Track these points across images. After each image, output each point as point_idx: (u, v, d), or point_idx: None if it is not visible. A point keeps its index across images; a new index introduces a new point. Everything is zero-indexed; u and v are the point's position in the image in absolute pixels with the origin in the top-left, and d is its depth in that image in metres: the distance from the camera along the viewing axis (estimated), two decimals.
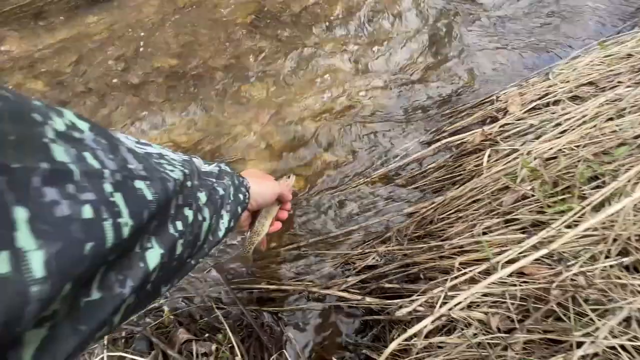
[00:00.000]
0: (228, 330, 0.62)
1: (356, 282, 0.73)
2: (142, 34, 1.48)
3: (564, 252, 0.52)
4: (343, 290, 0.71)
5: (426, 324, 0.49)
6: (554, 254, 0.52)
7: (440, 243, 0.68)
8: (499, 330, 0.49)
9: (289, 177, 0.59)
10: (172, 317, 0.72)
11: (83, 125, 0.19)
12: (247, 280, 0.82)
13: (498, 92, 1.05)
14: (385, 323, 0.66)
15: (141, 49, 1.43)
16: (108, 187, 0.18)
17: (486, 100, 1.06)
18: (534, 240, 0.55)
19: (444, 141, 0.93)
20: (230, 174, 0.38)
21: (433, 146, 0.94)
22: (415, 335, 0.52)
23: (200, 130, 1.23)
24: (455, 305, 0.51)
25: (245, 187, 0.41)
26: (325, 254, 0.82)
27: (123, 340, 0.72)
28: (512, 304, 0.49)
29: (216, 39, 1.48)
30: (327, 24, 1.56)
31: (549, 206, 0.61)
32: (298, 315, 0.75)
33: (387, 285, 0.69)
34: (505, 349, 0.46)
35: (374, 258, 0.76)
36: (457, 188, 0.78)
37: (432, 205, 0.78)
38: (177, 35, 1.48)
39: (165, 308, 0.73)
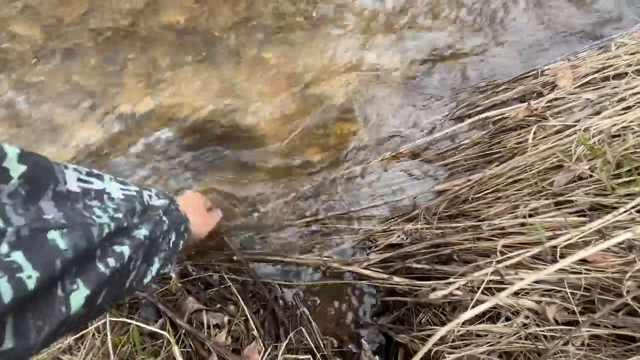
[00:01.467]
0: (241, 301, 0.57)
1: (379, 261, 0.68)
2: None
3: (635, 240, 0.45)
4: (365, 268, 0.65)
5: (483, 309, 0.44)
6: (623, 242, 0.45)
7: (477, 223, 0.61)
8: (556, 322, 0.43)
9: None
10: (179, 284, 0.67)
11: (15, 171, 0.20)
12: (260, 252, 0.77)
13: (542, 67, 0.95)
14: (411, 305, 0.61)
15: (151, 2, 1.32)
16: (4, 248, 0.19)
17: (528, 74, 0.96)
18: (597, 224, 0.48)
19: (480, 116, 0.84)
20: (178, 217, 0.37)
21: (467, 121, 0.85)
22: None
23: (211, 95, 1.15)
24: (510, 292, 0.45)
25: (187, 231, 0.40)
26: (345, 230, 0.76)
27: (127, 306, 0.68)
28: (573, 294, 0.43)
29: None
30: None
31: (613, 188, 0.53)
32: (314, 291, 0.71)
33: (414, 265, 0.63)
34: (566, 343, 0.40)
35: (398, 236, 0.70)
36: (497, 166, 0.70)
37: (468, 184, 0.71)
38: None
39: (173, 275, 0.69)
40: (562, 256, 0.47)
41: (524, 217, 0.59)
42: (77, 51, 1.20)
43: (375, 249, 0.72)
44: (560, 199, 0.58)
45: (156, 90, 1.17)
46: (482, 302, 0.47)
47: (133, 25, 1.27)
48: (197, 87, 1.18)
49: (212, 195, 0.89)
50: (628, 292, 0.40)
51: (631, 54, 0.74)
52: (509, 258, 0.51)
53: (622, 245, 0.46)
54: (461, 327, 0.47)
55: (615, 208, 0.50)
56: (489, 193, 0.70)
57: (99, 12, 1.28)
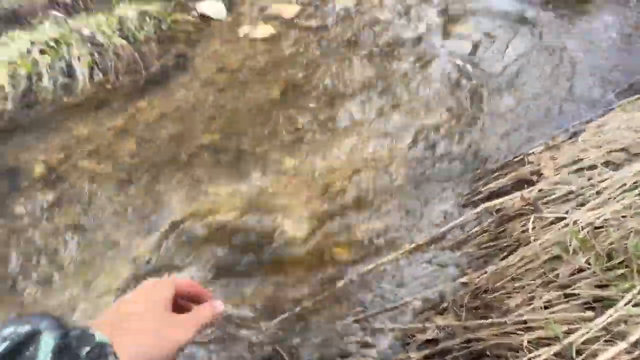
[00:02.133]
0: None
1: (420, 358, 0.74)
2: (187, 114, 1.67)
3: None
4: None
5: None
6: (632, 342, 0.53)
7: (502, 320, 0.69)
8: None
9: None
10: None
11: None
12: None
13: (527, 151, 1.11)
14: None
15: (187, 128, 1.61)
16: None
17: (515, 159, 1.12)
18: (602, 320, 0.56)
19: (483, 206, 0.97)
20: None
21: (473, 211, 0.98)
22: None
23: (243, 203, 1.32)
24: None
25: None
26: (381, 327, 0.84)
27: None
28: None
29: (253, 114, 1.64)
30: (351, 91, 1.72)
31: (608, 281, 0.63)
32: None
33: None
34: None
35: (433, 331, 0.78)
36: (507, 257, 0.81)
37: (485, 275, 0.81)
38: (218, 113, 1.66)
39: None
40: (579, 352, 0.55)
41: (540, 309, 0.68)
42: (131, 178, 1.43)
43: (414, 346, 0.79)
44: (568, 291, 0.67)
45: (196, 203, 1.36)
46: None
47: (176, 149, 1.52)
48: (229, 197, 1.37)
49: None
50: None
51: (597, 146, 0.90)
52: (536, 357, 0.59)
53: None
54: None
55: (616, 300, 0.60)
56: (507, 282, 0.79)
57: (147, 143, 1.55)
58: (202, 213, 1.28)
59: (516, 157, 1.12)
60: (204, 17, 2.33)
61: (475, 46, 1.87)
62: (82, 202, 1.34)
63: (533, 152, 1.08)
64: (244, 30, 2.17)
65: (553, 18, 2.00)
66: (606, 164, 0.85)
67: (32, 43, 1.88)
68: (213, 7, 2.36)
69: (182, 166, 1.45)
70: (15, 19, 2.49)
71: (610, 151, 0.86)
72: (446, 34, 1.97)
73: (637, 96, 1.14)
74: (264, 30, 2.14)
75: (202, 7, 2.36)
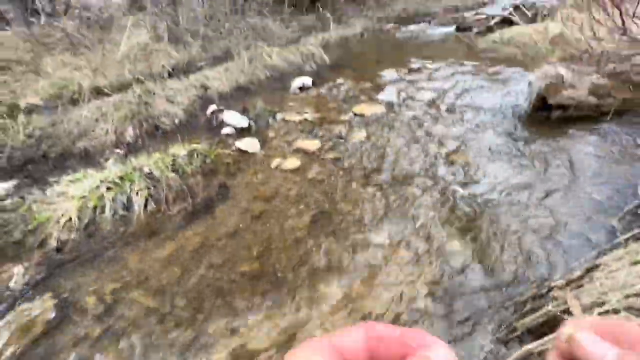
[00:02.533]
0: None
1: None
2: (229, 241, 1.86)
3: None
4: None
5: None
6: None
7: None
8: None
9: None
10: None
11: None
12: None
13: (549, 286, 1.20)
14: None
15: (228, 256, 1.76)
16: None
17: (539, 293, 1.20)
18: None
19: (525, 348, 1.01)
20: None
21: (515, 355, 1.01)
22: None
23: (280, 338, 1.36)
24: None
25: None
26: None
27: None
28: None
29: (287, 241, 1.82)
30: (371, 218, 1.93)
31: None
32: None
33: None
34: None
35: None
36: None
37: None
38: (256, 241, 1.84)
39: None
40: None
41: None
42: (174, 310, 1.51)
43: None
44: None
45: (237, 337, 1.39)
46: None
47: (218, 277, 1.64)
48: (268, 331, 1.40)
49: None
50: None
51: (615, 289, 1.00)
52: None
53: None
54: None
55: None
56: None
57: (191, 272, 1.68)
58: (242, 353, 1.30)
59: (540, 291, 1.20)
60: (241, 152, 2.80)
61: (475, 175, 2.16)
62: (127, 335, 1.39)
63: (556, 286, 1.16)
64: (275, 162, 2.57)
65: (540, 148, 2.36)
66: (627, 308, 0.92)
67: (102, 181, 2.26)
68: (249, 143, 2.86)
69: (223, 294, 1.55)
70: (87, 157, 3.02)
71: (628, 296, 0.95)
72: (448, 163, 2.31)
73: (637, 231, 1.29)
74: (292, 162, 2.53)
75: (240, 144, 2.86)
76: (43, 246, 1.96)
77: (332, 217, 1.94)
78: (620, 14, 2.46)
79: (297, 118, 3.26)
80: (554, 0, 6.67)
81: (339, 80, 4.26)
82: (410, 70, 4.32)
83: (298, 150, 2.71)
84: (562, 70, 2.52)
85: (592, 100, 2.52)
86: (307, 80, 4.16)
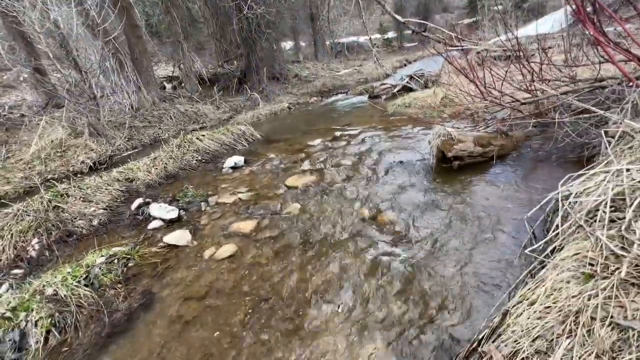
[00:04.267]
0: None
1: None
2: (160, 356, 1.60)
3: None
4: None
5: None
6: None
7: None
8: None
9: None
10: None
11: None
12: None
13: (477, 339, 1.26)
14: None
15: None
16: None
17: (472, 349, 1.24)
18: None
19: None
20: None
21: None
22: None
23: None
24: None
25: None
26: None
27: None
28: None
29: (223, 343, 1.63)
30: (310, 296, 1.88)
31: None
32: None
33: None
34: None
35: None
36: None
37: None
38: (187, 353, 1.62)
39: None
40: None
41: None
42: None
43: None
44: None
45: None
46: None
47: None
48: None
49: None
50: None
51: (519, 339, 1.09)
52: None
53: None
54: None
55: None
56: None
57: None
58: None
59: (471, 346, 1.24)
60: (170, 246, 2.60)
61: (402, 234, 2.32)
62: None
63: (483, 338, 1.22)
64: (209, 252, 2.44)
65: (450, 196, 2.67)
66: (536, 353, 1.01)
67: None
68: (179, 236, 2.69)
69: None
70: None
71: (534, 339, 1.04)
72: (376, 225, 2.45)
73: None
74: (227, 249, 2.43)
75: (169, 238, 2.67)
76: None
77: (271, 304, 1.84)
78: (477, 85, 3.16)
79: (231, 199, 3.24)
80: (437, 69, 8.30)
81: (271, 155, 4.46)
82: (335, 138, 4.76)
83: (233, 234, 2.63)
84: (450, 129, 3.04)
85: (479, 149, 3.04)
86: (239, 159, 4.27)
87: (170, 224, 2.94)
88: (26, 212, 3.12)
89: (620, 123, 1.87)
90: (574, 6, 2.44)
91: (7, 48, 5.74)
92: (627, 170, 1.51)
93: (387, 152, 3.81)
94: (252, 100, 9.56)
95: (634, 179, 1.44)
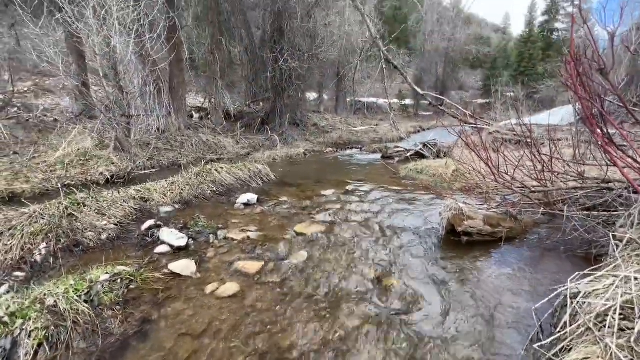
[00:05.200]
0: None
1: None
2: None
3: None
4: None
5: None
6: None
7: None
8: None
9: None
10: None
11: None
12: None
13: None
14: None
15: None
16: None
17: None
18: None
19: None
20: None
21: None
22: None
23: None
24: None
25: None
26: None
27: None
28: None
29: None
30: (315, 351, 1.83)
31: None
32: None
33: None
34: None
35: None
36: None
37: None
38: None
39: None
40: None
41: None
42: None
43: None
44: None
45: None
46: None
47: None
48: None
49: None
50: None
51: None
52: None
53: None
54: None
55: None
56: None
57: None
58: None
59: None
60: (174, 275, 2.61)
61: (408, 300, 2.31)
62: None
63: None
64: (211, 287, 2.43)
65: (457, 270, 2.69)
66: None
67: None
68: (184, 266, 2.70)
69: None
70: None
71: None
72: (382, 289, 2.45)
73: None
74: (230, 287, 2.42)
75: (174, 266, 2.69)
76: None
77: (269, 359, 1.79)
78: (489, 166, 3.35)
79: (240, 236, 3.29)
80: (450, 141, 8.73)
81: (283, 198, 4.59)
82: (347, 192, 4.91)
83: (238, 273, 2.64)
84: (461, 205, 3.16)
85: (488, 228, 3.12)
86: (253, 197, 4.39)
87: (177, 251, 2.97)
88: (42, 215, 3.20)
89: (627, 230, 1.96)
90: (580, 111, 2.71)
91: (64, 62, 6.34)
92: (636, 278, 1.56)
93: (397, 215, 3.90)
94: (271, 141, 10.04)
95: None
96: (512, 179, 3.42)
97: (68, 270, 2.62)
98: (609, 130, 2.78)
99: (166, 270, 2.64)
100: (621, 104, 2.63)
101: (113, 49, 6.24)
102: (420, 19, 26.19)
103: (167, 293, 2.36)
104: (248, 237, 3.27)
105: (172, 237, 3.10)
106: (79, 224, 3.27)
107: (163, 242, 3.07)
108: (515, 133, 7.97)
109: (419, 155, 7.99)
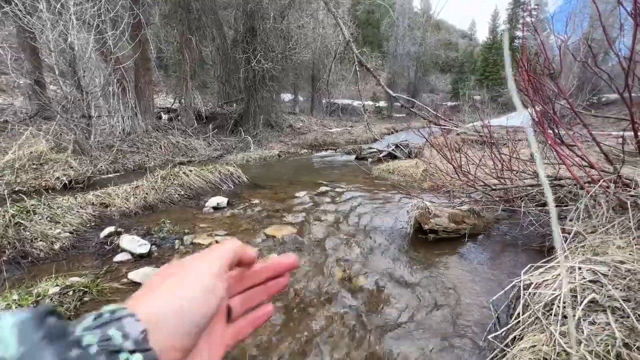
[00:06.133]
0: None
1: None
2: None
3: None
4: None
5: None
6: None
7: None
8: None
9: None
10: None
11: None
12: None
13: None
14: None
15: None
16: None
17: None
18: None
19: None
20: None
21: None
22: None
23: None
24: None
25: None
26: None
27: None
28: None
29: None
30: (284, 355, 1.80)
31: None
32: None
33: None
34: None
35: None
36: None
37: None
38: None
39: None
40: None
41: None
42: None
43: None
44: None
45: None
46: None
47: None
48: None
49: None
50: None
51: None
52: None
53: None
54: None
55: None
56: None
57: None
58: None
59: None
60: (135, 284, 2.46)
61: (374, 298, 2.34)
62: None
63: None
64: None
65: (425, 267, 2.76)
66: None
67: None
68: (145, 274, 2.56)
69: None
70: None
71: None
72: (351, 288, 2.46)
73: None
74: None
75: (134, 275, 2.54)
76: None
77: None
78: (453, 166, 3.49)
79: (207, 241, 3.18)
80: (421, 142, 9.01)
81: (254, 200, 4.50)
82: (320, 193, 4.91)
83: None
84: (427, 203, 3.25)
85: (453, 225, 3.23)
86: (222, 200, 4.28)
87: (139, 259, 2.82)
88: None
89: (574, 224, 2.10)
90: (534, 115, 2.89)
91: (13, 58, 5.86)
92: (579, 268, 1.68)
93: (367, 214, 3.96)
94: (244, 142, 9.86)
95: (584, 278, 1.60)
96: (475, 177, 3.57)
97: (12, 283, 2.40)
98: (560, 132, 2.98)
99: (125, 280, 2.49)
100: (570, 107, 2.83)
101: (70, 45, 5.85)
102: (393, 24, 26.92)
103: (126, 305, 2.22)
104: (216, 242, 3.16)
105: (133, 244, 2.93)
106: (28, 233, 3.01)
107: (123, 250, 2.91)
108: (480, 134, 8.37)
109: (392, 156, 8.18)
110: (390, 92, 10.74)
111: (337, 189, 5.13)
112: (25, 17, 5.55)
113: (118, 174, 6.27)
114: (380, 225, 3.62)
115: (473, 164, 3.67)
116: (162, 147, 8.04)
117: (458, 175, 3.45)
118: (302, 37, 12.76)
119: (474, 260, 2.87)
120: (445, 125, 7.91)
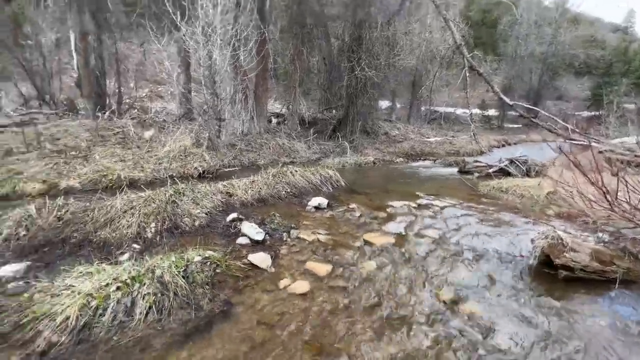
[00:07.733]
0: None
1: None
2: None
3: None
4: None
5: None
6: None
7: None
8: None
9: None
10: None
11: None
12: None
13: None
14: None
15: None
16: None
17: None
18: None
19: None
20: None
21: None
22: None
23: None
24: None
25: None
26: None
27: None
28: None
29: None
30: None
31: None
32: None
33: None
34: None
35: None
36: None
37: None
38: None
39: None
40: None
41: None
42: None
43: None
44: None
45: None
46: None
47: None
48: None
49: None
50: None
51: None
52: None
53: None
54: None
55: None
56: None
57: None
58: None
59: None
60: (252, 266, 2.85)
61: (483, 329, 2.09)
62: None
63: None
64: (284, 282, 2.58)
65: (548, 309, 2.33)
66: None
67: (114, 279, 2.28)
68: (261, 258, 2.93)
69: None
70: (105, 247, 3.12)
71: None
72: (455, 313, 2.27)
73: None
74: (301, 286, 2.54)
75: (253, 258, 2.94)
76: (27, 345, 1.85)
77: None
78: (603, 191, 2.82)
79: (311, 237, 3.42)
80: (543, 159, 7.64)
81: (352, 205, 4.61)
82: (419, 206, 4.69)
83: (308, 272, 2.75)
84: (562, 234, 2.73)
85: (596, 265, 2.63)
86: (323, 201, 4.53)
87: (256, 244, 3.24)
88: (153, 199, 3.85)
89: None
90: None
91: (177, 74, 7.55)
92: None
93: (476, 236, 3.57)
94: (341, 148, 10.21)
95: None
96: (634, 208, 2.82)
97: (170, 248, 3.08)
98: None
99: (246, 261, 2.90)
100: None
101: (214, 61, 7.18)
102: (514, 22, 23.61)
103: (246, 281, 2.59)
104: (318, 240, 3.38)
105: (252, 230, 3.39)
106: (179, 210, 3.82)
107: (244, 235, 3.39)
108: (636, 154, 6.57)
109: (504, 172, 7.17)
110: (506, 99, 9.44)
111: (437, 203, 4.80)
112: (187, 41, 7.08)
113: (236, 168, 7.34)
114: (492, 249, 3.22)
115: (633, 191, 2.91)
116: (271, 148, 9.03)
117: (609, 204, 2.79)
118: (408, 43, 12.46)
119: (627, 316, 2.27)
120: (580, 141, 6.49)
